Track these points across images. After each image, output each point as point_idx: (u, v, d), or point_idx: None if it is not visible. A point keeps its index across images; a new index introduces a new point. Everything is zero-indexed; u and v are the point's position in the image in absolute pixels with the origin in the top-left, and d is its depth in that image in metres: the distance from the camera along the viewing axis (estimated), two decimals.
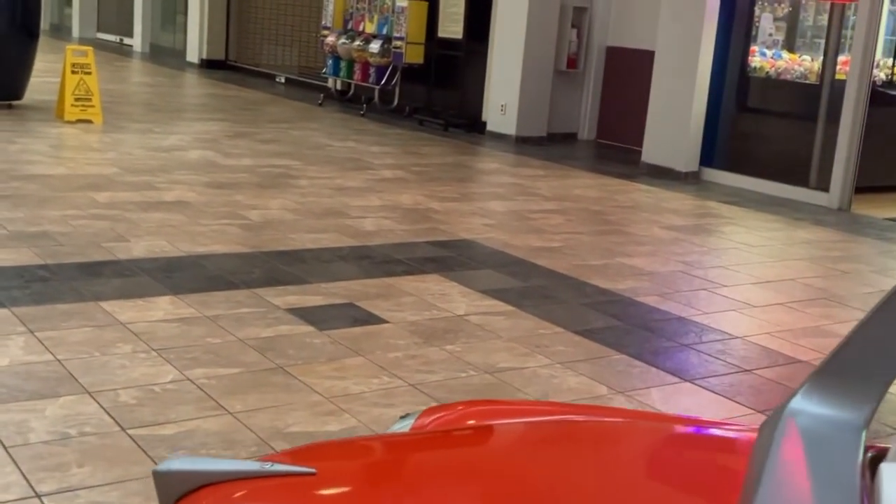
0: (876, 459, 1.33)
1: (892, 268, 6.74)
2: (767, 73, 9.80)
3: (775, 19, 9.93)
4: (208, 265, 5.33)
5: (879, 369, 1.30)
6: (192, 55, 17.83)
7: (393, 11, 12.38)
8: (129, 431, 3.30)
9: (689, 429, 1.79)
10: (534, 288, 5.45)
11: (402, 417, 1.86)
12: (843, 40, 9.28)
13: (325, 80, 14.28)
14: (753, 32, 9.87)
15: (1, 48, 10.02)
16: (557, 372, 4.19)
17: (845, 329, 5.02)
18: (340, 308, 4.79)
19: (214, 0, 17.40)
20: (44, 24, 16.71)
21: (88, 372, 3.75)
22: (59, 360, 3.84)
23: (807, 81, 9.53)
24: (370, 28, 12.84)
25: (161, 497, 1.49)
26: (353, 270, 5.49)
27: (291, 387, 3.78)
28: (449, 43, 12.13)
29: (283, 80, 16.06)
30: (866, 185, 8.92)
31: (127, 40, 20.74)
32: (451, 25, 12.04)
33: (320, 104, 13.40)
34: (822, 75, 9.36)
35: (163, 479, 1.48)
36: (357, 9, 13.12)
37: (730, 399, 4.09)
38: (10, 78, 10.31)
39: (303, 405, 3.63)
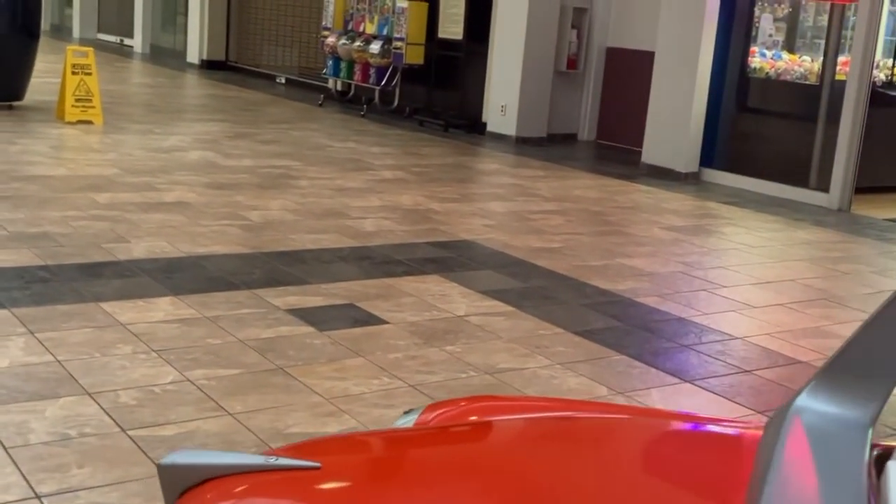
0: (882, 458, 1.33)
1: (892, 268, 6.74)
2: (767, 73, 9.80)
3: (775, 20, 9.94)
4: (208, 266, 5.34)
5: (886, 367, 1.30)
6: (193, 56, 17.84)
7: (393, 12, 12.39)
8: (130, 432, 3.30)
9: (693, 426, 1.79)
10: (534, 289, 5.45)
11: (406, 413, 1.86)
12: (843, 41, 9.28)
13: (326, 80, 14.28)
14: (753, 33, 9.87)
15: (1, 49, 10.03)
16: (557, 373, 4.19)
17: (845, 330, 5.02)
18: (340, 309, 4.79)
19: (215, 1, 17.40)
20: (44, 24, 16.70)
21: (88, 373, 3.75)
22: (59, 361, 3.84)
23: (807, 82, 9.54)
24: (370, 29, 12.85)
25: (166, 491, 1.49)
26: (354, 271, 5.49)
27: (291, 388, 3.78)
28: (449, 44, 12.13)
29: (283, 81, 16.06)
30: (866, 186, 8.92)
31: (127, 41, 20.75)
32: (452, 26, 12.04)
33: (320, 105, 13.40)
34: (822, 76, 9.36)
35: (167, 473, 1.48)
36: (357, 9, 13.13)
37: (730, 400, 4.09)
38: (10, 79, 10.32)
39: (303, 406, 3.63)
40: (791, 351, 4.75)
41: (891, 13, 9.82)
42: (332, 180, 8.15)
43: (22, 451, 3.10)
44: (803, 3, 9.80)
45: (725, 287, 5.84)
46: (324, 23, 13.67)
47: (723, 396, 4.12)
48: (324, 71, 14.01)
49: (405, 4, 12.13)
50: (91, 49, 10.36)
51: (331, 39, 13.28)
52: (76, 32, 22.39)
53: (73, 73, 9.88)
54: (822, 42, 9.59)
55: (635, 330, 4.88)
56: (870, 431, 1.28)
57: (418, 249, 6.09)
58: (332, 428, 3.47)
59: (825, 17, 9.65)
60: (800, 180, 9.18)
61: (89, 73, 9.97)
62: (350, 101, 13.63)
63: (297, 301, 4.84)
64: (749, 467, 1.33)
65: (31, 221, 5.95)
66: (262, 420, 3.48)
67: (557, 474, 1.42)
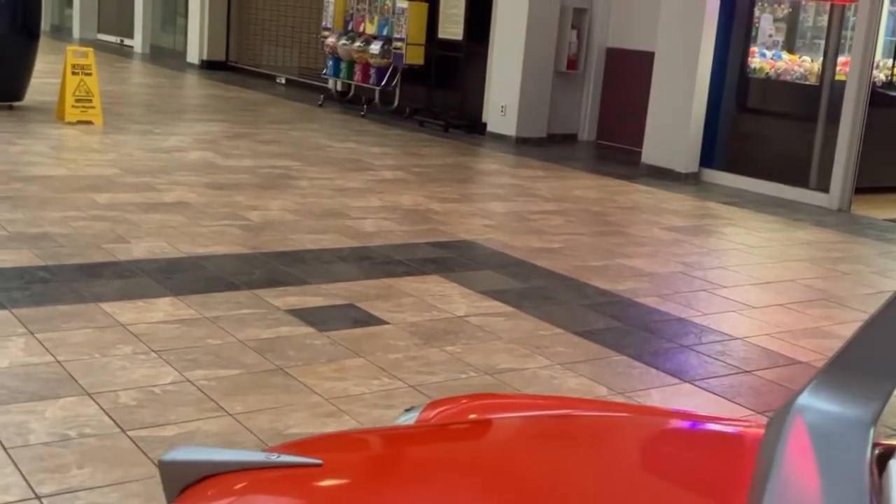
0: (884, 456, 1.33)
1: (892, 269, 6.74)
2: (767, 73, 9.80)
3: (775, 20, 9.94)
4: (208, 266, 5.34)
5: (887, 366, 1.30)
6: (193, 56, 17.84)
7: (393, 12, 12.39)
8: (129, 433, 3.30)
9: (694, 424, 1.79)
10: (534, 289, 5.45)
11: (407, 410, 1.86)
12: (842, 41, 9.28)
13: (326, 81, 14.29)
14: (753, 33, 9.87)
15: (1, 49, 10.03)
16: (557, 373, 4.19)
17: (845, 330, 5.02)
18: (340, 309, 4.79)
19: (215, 1, 17.40)
20: (44, 24, 16.70)
21: (88, 373, 3.75)
22: (59, 362, 3.84)
23: (807, 82, 9.54)
24: (370, 29, 12.85)
25: (167, 487, 1.49)
26: (354, 271, 5.49)
27: (291, 388, 3.79)
28: (449, 44, 12.13)
29: (283, 81, 16.06)
30: (866, 186, 8.92)
31: (127, 41, 20.75)
32: (452, 26, 12.05)
33: (320, 105, 13.40)
34: (821, 76, 9.36)
35: (168, 469, 1.48)
36: (357, 10, 13.13)
37: (730, 400, 4.09)
38: (10, 79, 10.32)
39: (303, 406, 3.63)
40: (791, 351, 4.75)
41: (891, 13, 9.82)
42: (332, 180, 8.16)
43: (22, 452, 3.10)
44: (803, 3, 9.80)
45: (725, 287, 5.84)
46: (324, 23, 13.67)
47: (723, 397, 4.12)
48: (324, 71, 14.02)
49: (405, 5, 12.13)
50: (91, 49, 10.36)
51: (331, 40, 13.29)
52: (76, 33, 22.39)
53: (73, 73, 9.89)
54: (822, 42, 9.59)
55: (635, 330, 4.88)
56: (871, 430, 1.28)
57: (418, 250, 6.09)
58: (332, 428, 3.47)
59: (825, 18, 9.65)
60: (800, 180, 9.19)
61: (89, 74, 9.97)
62: (350, 101, 13.63)
63: (297, 301, 4.84)
64: (750, 466, 1.33)
65: (32, 222, 5.96)
66: (262, 420, 3.48)
67: (558, 472, 1.42)
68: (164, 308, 4.57)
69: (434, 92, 12.60)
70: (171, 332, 4.27)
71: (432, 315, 4.82)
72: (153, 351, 4.03)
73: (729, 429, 1.74)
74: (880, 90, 9.37)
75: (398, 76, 12.53)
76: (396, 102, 12.68)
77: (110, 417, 3.40)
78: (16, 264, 5.07)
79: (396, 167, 9.13)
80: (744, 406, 4.03)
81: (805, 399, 1.34)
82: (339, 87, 14.12)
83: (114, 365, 3.86)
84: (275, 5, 16.82)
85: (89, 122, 9.97)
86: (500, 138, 11.40)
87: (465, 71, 12.08)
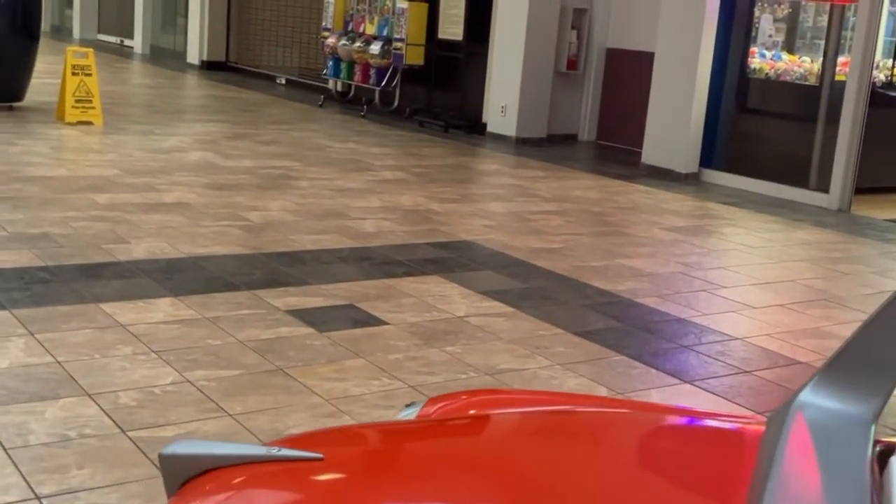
0: (885, 454, 1.33)
1: (892, 269, 6.74)
2: (767, 74, 9.80)
3: (775, 20, 9.94)
4: (208, 267, 5.34)
5: (889, 364, 1.30)
6: (193, 56, 17.84)
7: (393, 13, 12.39)
8: (129, 433, 3.30)
9: (695, 421, 1.79)
10: (534, 289, 5.45)
11: (408, 406, 1.87)
12: (842, 41, 9.28)
13: (326, 81, 14.29)
14: (753, 34, 9.87)
15: (1, 50, 10.03)
16: (557, 373, 4.20)
17: (845, 330, 5.02)
18: (340, 309, 4.79)
19: (215, 1, 17.40)
20: (44, 25, 16.70)
21: (88, 374, 3.75)
22: (59, 362, 3.84)
23: (806, 83, 9.54)
24: (370, 29, 12.85)
25: (167, 480, 1.49)
26: (354, 272, 5.49)
27: (291, 389, 3.79)
28: (449, 44, 12.13)
29: (283, 82, 16.06)
30: (866, 187, 8.92)
31: (127, 42, 20.75)
32: (452, 27, 12.04)
33: (321, 105, 13.40)
34: (821, 76, 9.36)
35: (169, 463, 1.48)
36: (357, 10, 13.13)
37: (730, 400, 4.09)
38: (10, 79, 10.32)
39: (303, 407, 3.63)
40: (791, 351, 4.75)
41: (890, 14, 9.82)
42: (332, 181, 8.16)
43: (22, 452, 3.10)
44: (803, 3, 9.80)
45: (725, 288, 5.84)
46: (324, 23, 13.67)
47: (723, 397, 4.12)
48: (324, 72, 14.02)
49: (405, 5, 12.13)
50: (91, 50, 10.37)
51: (331, 40, 13.29)
52: (76, 33, 22.39)
53: (74, 73, 9.89)
54: (822, 43, 9.59)
55: (635, 330, 4.88)
56: (872, 428, 1.28)
57: (418, 250, 6.09)
58: None
59: (825, 18, 9.65)
60: (800, 181, 9.18)
61: (89, 74, 9.97)
62: (350, 101, 13.64)
63: (297, 302, 4.84)
64: (751, 463, 1.33)
65: (32, 222, 5.96)
66: (262, 421, 3.48)
67: (557, 468, 1.42)
68: (164, 308, 4.57)
69: (434, 92, 12.60)
70: (171, 333, 4.27)
71: (432, 315, 4.82)
72: (153, 351, 4.04)
73: (729, 425, 1.74)
74: (880, 90, 9.37)
75: (398, 76, 12.53)
76: (396, 103, 12.68)
77: (110, 418, 3.40)
78: (16, 265, 5.08)
79: (396, 167, 9.13)
80: (744, 406, 4.03)
81: (806, 396, 1.34)
82: (339, 88, 14.12)
83: (114, 365, 3.86)
84: (275, 6, 16.82)
85: (89, 123, 9.97)
86: (500, 138, 11.40)
87: (465, 71, 12.08)
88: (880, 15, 8.60)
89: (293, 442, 1.54)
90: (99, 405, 3.49)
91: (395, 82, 12.57)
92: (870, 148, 8.71)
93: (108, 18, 22.14)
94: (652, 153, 10.03)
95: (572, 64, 11.74)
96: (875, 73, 9.01)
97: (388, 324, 4.64)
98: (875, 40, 8.65)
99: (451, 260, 5.92)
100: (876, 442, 1.31)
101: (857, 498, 1.16)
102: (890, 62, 10.06)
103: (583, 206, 8.04)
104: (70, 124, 9.86)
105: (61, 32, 23.45)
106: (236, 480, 1.41)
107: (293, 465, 1.42)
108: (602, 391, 4.05)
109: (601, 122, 12.09)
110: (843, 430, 1.27)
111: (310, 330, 4.45)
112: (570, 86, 11.89)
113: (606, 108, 12.01)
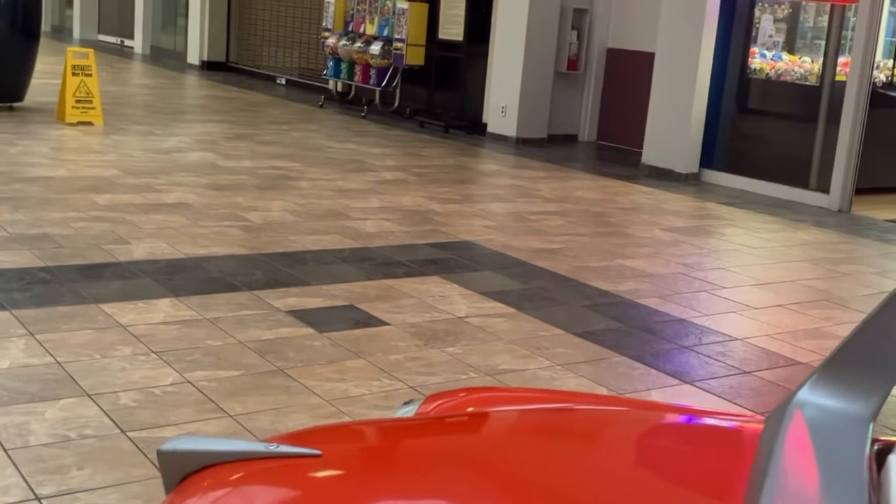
0: (883, 452, 1.32)
1: (892, 269, 6.74)
2: (767, 74, 9.80)
3: (775, 21, 9.93)
4: (209, 267, 5.34)
5: (887, 362, 1.30)
6: (193, 57, 17.84)
7: (393, 13, 12.39)
8: (130, 434, 3.30)
9: (694, 419, 1.78)
10: (534, 290, 5.45)
11: (406, 403, 1.87)
12: (843, 42, 9.27)
13: (326, 81, 14.28)
14: (753, 34, 9.87)
15: (2, 50, 10.03)
16: (558, 374, 4.19)
17: (846, 331, 5.01)
18: (341, 310, 4.79)
19: (215, 2, 17.40)
20: (44, 25, 16.72)
21: (89, 374, 3.75)
22: (59, 363, 3.84)
23: (807, 83, 9.53)
24: (371, 30, 12.85)
25: (165, 477, 1.49)
26: (354, 272, 5.49)
27: (291, 389, 3.78)
28: (449, 45, 12.13)
29: (283, 82, 16.06)
30: (867, 187, 8.92)
31: (128, 42, 20.75)
32: (452, 27, 12.04)
33: (321, 106, 13.40)
34: (822, 77, 9.36)
35: (167, 459, 1.48)
36: (358, 10, 13.13)
37: (730, 401, 4.09)
38: (10, 80, 10.32)
39: (303, 407, 3.63)
40: (791, 352, 4.75)
41: (891, 14, 9.82)
42: (332, 181, 8.15)
43: (22, 453, 3.10)
44: (803, 3, 9.80)
45: (726, 288, 5.84)
46: (324, 24, 13.67)
47: (723, 398, 4.12)
48: (324, 72, 14.02)
49: (405, 5, 12.13)
50: (91, 50, 10.37)
51: (331, 40, 13.28)
52: (76, 33, 22.39)
53: (74, 74, 9.89)
54: (823, 43, 9.59)
55: (636, 331, 4.88)
56: (871, 426, 1.28)
57: (419, 250, 6.09)
58: None
59: (825, 18, 9.64)
60: (800, 181, 9.18)
61: (89, 75, 9.97)
62: (350, 102, 13.63)
63: (297, 302, 4.83)
64: (749, 461, 1.33)
65: (32, 223, 5.95)
66: (263, 421, 3.48)
67: (555, 465, 1.42)
68: (164, 309, 4.57)
69: (434, 93, 12.60)
70: (172, 334, 4.27)
71: (433, 316, 4.82)
72: (153, 352, 4.03)
73: (728, 423, 1.74)
74: (881, 91, 9.36)
75: (398, 77, 12.53)
76: (397, 103, 12.68)
77: (110, 418, 3.40)
78: (16, 265, 5.07)
79: (397, 168, 9.13)
80: (744, 407, 4.03)
81: (804, 394, 1.34)
82: (339, 88, 14.12)
83: (114, 366, 3.85)
84: (275, 6, 16.82)
85: (89, 123, 9.97)
86: (500, 139, 11.40)
87: (466, 72, 12.08)
88: (881, 15, 8.60)
89: (291, 438, 1.54)
90: (99, 406, 3.49)
91: (395, 83, 12.57)
92: (870, 148, 8.71)
93: (108, 19, 22.14)
94: (652, 153, 10.02)
95: (573, 64, 11.74)
96: (875, 73, 9.01)
97: (388, 324, 4.64)
98: (875, 40, 8.65)
99: (452, 260, 5.92)
100: (874, 440, 1.31)
101: (854, 496, 1.16)
102: (890, 62, 10.06)
103: (583, 206, 8.03)
104: (70, 125, 9.86)
105: (61, 33, 23.46)
106: (234, 477, 1.41)
107: (291, 461, 1.42)
108: (602, 392, 4.05)
109: (601, 123, 12.09)
110: (842, 428, 1.27)
111: (310, 330, 4.45)
112: (571, 86, 11.89)
113: (607, 109, 12.01)
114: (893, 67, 10.04)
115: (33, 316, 4.33)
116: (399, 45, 12.23)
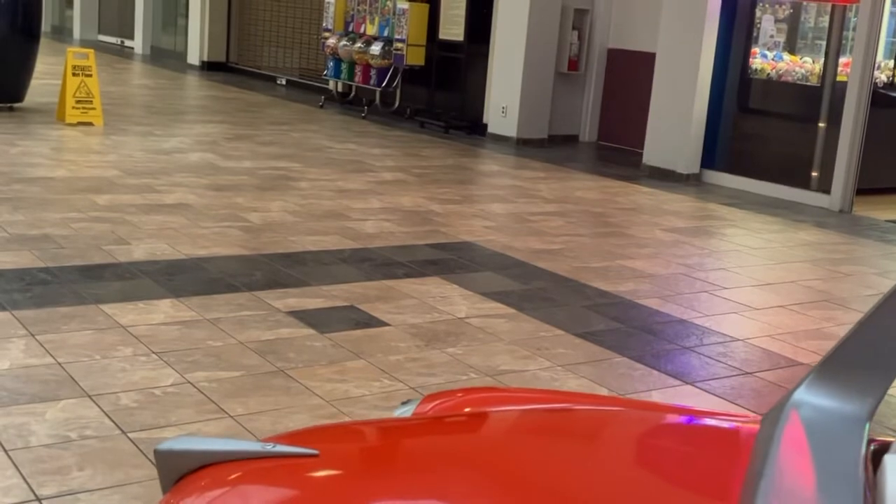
0: (879, 452, 1.32)
1: (893, 270, 6.73)
2: (768, 74, 9.79)
3: (776, 21, 9.93)
4: (209, 268, 5.33)
5: (883, 362, 1.30)
6: (193, 57, 17.84)
7: (394, 13, 12.38)
8: (130, 435, 3.30)
9: (690, 419, 1.78)
10: (535, 290, 5.44)
11: (404, 403, 1.87)
12: (844, 42, 9.27)
13: (326, 82, 14.28)
14: (754, 34, 9.86)
15: (2, 50, 10.03)
16: (559, 374, 4.19)
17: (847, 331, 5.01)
18: (341, 311, 4.79)
19: (215, 2, 17.40)
20: (45, 26, 16.71)
21: (89, 375, 3.75)
22: (59, 364, 3.83)
23: (808, 83, 9.53)
24: (371, 30, 12.85)
25: (162, 476, 1.49)
26: (354, 273, 5.49)
27: (292, 390, 3.78)
28: (450, 45, 12.13)
29: (283, 83, 16.06)
30: (868, 187, 8.92)
31: (128, 42, 20.75)
32: (452, 27, 12.04)
33: (321, 106, 13.40)
34: (823, 77, 9.35)
35: (164, 459, 1.48)
36: (358, 11, 13.13)
37: (731, 402, 4.08)
38: (10, 80, 10.32)
39: (303, 408, 3.62)
40: (792, 353, 4.74)
41: (892, 14, 9.81)
42: (332, 182, 8.15)
43: (22, 454, 3.09)
44: (804, 4, 9.80)
45: (727, 289, 5.83)
46: (324, 24, 13.67)
47: (724, 398, 4.11)
48: (324, 72, 14.01)
49: (406, 6, 12.12)
50: (91, 50, 10.36)
51: (331, 41, 13.28)
52: (77, 34, 22.39)
53: (74, 74, 9.88)
54: (824, 43, 9.58)
55: (636, 332, 4.87)
56: (867, 426, 1.28)
57: (419, 251, 6.09)
58: None
59: (826, 19, 9.64)
60: (801, 182, 9.18)
61: (90, 75, 9.97)
62: (351, 102, 13.63)
63: (297, 303, 4.83)
64: (746, 460, 1.33)
65: (32, 223, 5.95)
66: (263, 422, 3.47)
67: (552, 465, 1.42)
68: (164, 310, 4.57)
69: (435, 93, 12.60)
70: (172, 334, 4.26)
71: (433, 317, 4.81)
72: (153, 353, 4.03)
73: (725, 424, 1.74)
74: (881, 91, 9.36)
75: (399, 77, 12.52)
76: (397, 103, 12.68)
77: (111, 419, 3.39)
78: (16, 266, 5.07)
79: (397, 168, 9.12)
80: (745, 408, 4.03)
81: (801, 395, 1.33)
82: (339, 89, 14.12)
83: (114, 367, 3.85)
84: (275, 6, 16.82)
85: (90, 124, 9.96)
86: (500, 139, 11.40)
87: (466, 72, 12.08)
88: (882, 15, 8.60)
89: (288, 438, 1.54)
90: (99, 406, 3.48)
91: (395, 83, 12.57)
92: (871, 149, 8.71)
93: (108, 19, 22.14)
94: (653, 154, 10.02)
95: (573, 64, 11.73)
96: (876, 73, 9.01)
97: (388, 325, 4.64)
98: (876, 41, 8.65)
99: (452, 261, 5.91)
100: (870, 440, 1.31)
101: (850, 496, 1.16)
102: (891, 63, 10.06)
103: (584, 206, 8.03)
104: (70, 125, 9.86)
105: (62, 33, 23.46)
106: (231, 476, 1.41)
107: (288, 461, 1.42)
108: (603, 392, 4.04)
109: (602, 123, 12.08)
110: (838, 428, 1.27)
111: (310, 331, 4.45)
112: (572, 86, 11.88)
113: (607, 109, 12.00)
114: (894, 68, 10.03)
115: (33, 316, 4.32)
116: (399, 45, 12.22)
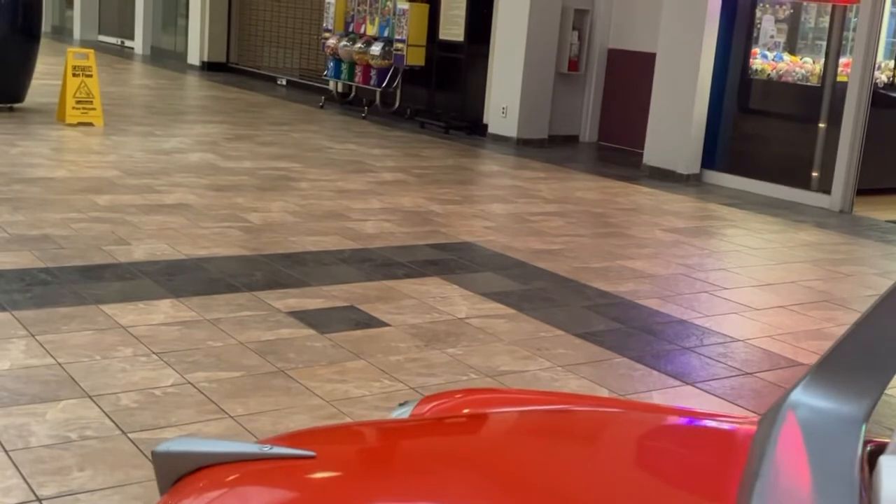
0: (875, 453, 1.32)
1: (894, 270, 6.73)
2: (769, 75, 9.79)
3: (776, 21, 9.93)
4: (209, 268, 5.33)
5: (880, 363, 1.30)
6: (194, 57, 17.84)
7: (394, 14, 12.38)
8: (130, 435, 3.30)
9: (688, 420, 1.79)
10: (535, 291, 5.44)
11: (401, 405, 1.86)
12: (844, 42, 9.27)
13: (327, 82, 14.28)
14: (755, 34, 9.86)
15: (2, 51, 10.03)
16: (559, 375, 4.19)
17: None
18: (341, 311, 4.79)
19: (215, 2, 17.41)
20: (45, 26, 16.70)
21: (89, 375, 3.75)
22: (59, 364, 3.83)
23: (808, 84, 9.53)
24: (371, 30, 12.85)
25: (160, 478, 1.49)
26: (354, 273, 5.49)
27: (292, 390, 3.78)
28: (450, 45, 12.13)
29: (284, 83, 16.06)
30: (868, 188, 8.91)
31: (128, 43, 20.75)
32: (453, 28, 12.04)
33: (321, 106, 13.40)
34: (823, 77, 9.35)
35: (162, 460, 1.48)
36: (358, 11, 13.13)
37: (731, 402, 4.08)
38: (11, 80, 10.32)
39: (304, 408, 3.62)
40: (792, 353, 4.74)
41: (892, 15, 9.81)
42: (332, 182, 8.15)
43: (23, 454, 3.09)
44: (804, 4, 9.80)
45: (727, 289, 5.83)
46: (325, 24, 13.67)
47: (724, 399, 4.11)
48: (325, 73, 14.02)
49: (406, 6, 12.13)
50: (92, 51, 10.36)
51: (332, 41, 13.28)
52: (77, 34, 22.40)
53: (74, 74, 9.88)
54: (824, 43, 9.58)
55: (637, 332, 4.87)
56: (863, 427, 1.28)
57: (419, 251, 6.09)
58: None
59: (826, 19, 9.64)
60: (801, 182, 9.18)
61: (90, 75, 9.97)
62: (351, 102, 13.63)
63: (297, 303, 4.83)
64: (743, 461, 1.33)
65: (32, 223, 5.95)
66: (263, 422, 3.47)
67: (551, 466, 1.42)
68: (164, 310, 4.57)
69: (435, 93, 12.60)
70: (172, 334, 4.26)
71: (433, 317, 4.81)
72: (154, 353, 4.03)
73: (722, 425, 1.74)
74: (882, 91, 9.36)
75: (399, 77, 12.52)
76: (397, 104, 12.68)
77: (111, 419, 3.39)
78: (16, 266, 5.07)
79: (397, 169, 9.12)
80: (745, 408, 4.03)
81: (797, 395, 1.33)
82: (339, 89, 14.12)
83: (114, 367, 3.85)
84: (275, 7, 16.82)
85: (90, 124, 9.97)
86: (501, 140, 11.40)
87: (466, 72, 12.08)
88: (882, 16, 8.59)
89: (286, 440, 1.54)
90: (100, 407, 3.48)
91: (395, 83, 12.57)
92: (871, 149, 8.71)
93: (108, 19, 22.15)
94: (653, 154, 10.02)
95: (573, 65, 11.73)
96: (877, 73, 9.00)
97: (388, 325, 4.64)
98: (877, 41, 8.64)
99: (452, 261, 5.91)
100: (866, 441, 1.31)
101: (846, 497, 1.16)
102: (891, 63, 10.05)
103: (584, 207, 8.03)
104: (70, 125, 9.86)
105: (62, 33, 23.46)
106: (229, 478, 1.41)
107: (285, 462, 1.42)
108: (603, 393, 4.04)
109: (602, 123, 12.08)
110: (835, 429, 1.27)
111: (310, 331, 4.45)
112: (572, 87, 11.89)
113: (608, 109, 12.00)
114: (894, 68, 10.03)
115: (34, 317, 4.32)
116: (399, 45, 12.22)
